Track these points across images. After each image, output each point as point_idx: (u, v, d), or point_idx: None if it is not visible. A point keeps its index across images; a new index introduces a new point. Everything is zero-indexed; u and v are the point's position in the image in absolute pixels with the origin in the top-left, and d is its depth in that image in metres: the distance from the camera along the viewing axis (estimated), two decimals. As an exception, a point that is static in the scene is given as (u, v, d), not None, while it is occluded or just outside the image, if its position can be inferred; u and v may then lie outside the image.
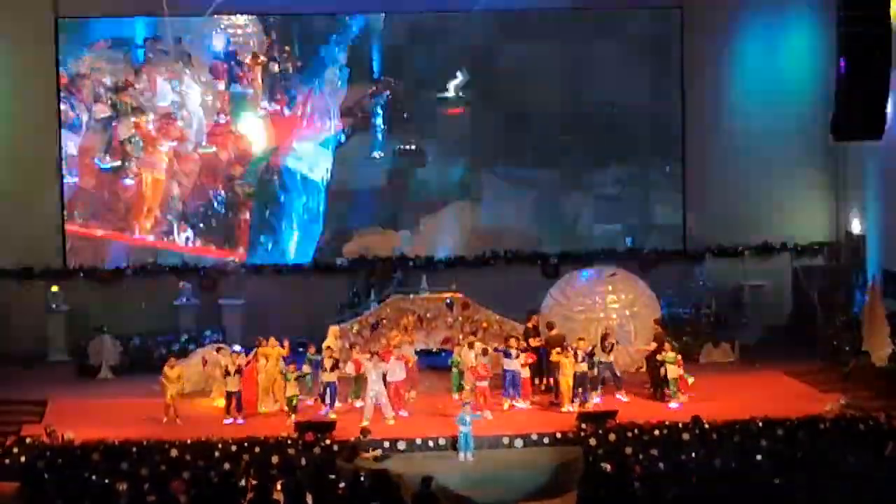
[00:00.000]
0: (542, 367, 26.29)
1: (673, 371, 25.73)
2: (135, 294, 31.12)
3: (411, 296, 28.77)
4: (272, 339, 26.04)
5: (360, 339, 27.52)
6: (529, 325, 26.88)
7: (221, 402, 25.79)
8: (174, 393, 25.42)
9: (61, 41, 31.36)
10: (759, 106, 31.98)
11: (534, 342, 26.29)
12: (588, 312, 26.93)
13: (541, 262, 31.28)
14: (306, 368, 26.01)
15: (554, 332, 26.23)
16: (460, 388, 25.93)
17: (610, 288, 27.21)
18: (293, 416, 24.93)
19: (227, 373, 25.44)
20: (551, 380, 26.00)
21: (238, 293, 31.03)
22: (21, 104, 31.17)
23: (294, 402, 25.18)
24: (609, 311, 27.02)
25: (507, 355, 25.54)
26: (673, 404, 25.50)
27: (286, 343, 26.12)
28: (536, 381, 26.35)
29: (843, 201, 31.97)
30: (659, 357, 25.85)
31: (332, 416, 24.98)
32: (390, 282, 30.73)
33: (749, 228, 32.15)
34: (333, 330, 26.74)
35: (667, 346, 25.89)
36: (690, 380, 25.99)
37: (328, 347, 25.79)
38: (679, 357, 25.90)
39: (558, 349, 25.38)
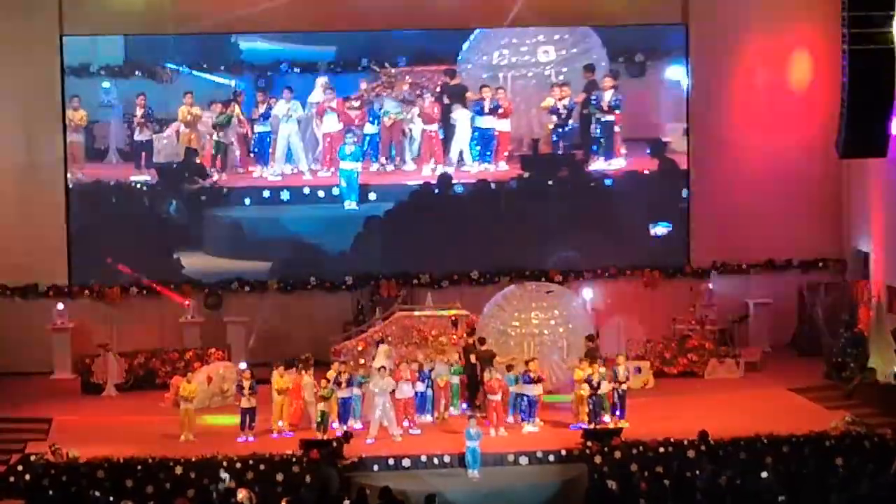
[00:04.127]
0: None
1: (604, 387, 25.68)
2: (139, 312, 31.14)
3: (416, 313, 28.75)
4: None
5: (365, 355, 27.42)
6: (471, 340, 26.82)
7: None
8: (189, 408, 25.35)
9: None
10: (764, 122, 31.94)
11: (474, 358, 26.20)
12: (523, 328, 26.86)
13: (543, 280, 31.13)
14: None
15: (485, 347, 26.20)
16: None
17: (545, 304, 27.16)
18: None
19: (241, 389, 25.37)
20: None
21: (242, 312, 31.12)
22: (27, 120, 31.13)
23: (326, 418, 24.82)
24: (543, 326, 26.93)
25: (528, 380, 25.47)
26: (606, 418, 25.36)
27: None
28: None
29: (849, 217, 31.92)
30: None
31: (346, 430, 24.91)
32: (395, 299, 30.67)
33: (754, 245, 32.10)
34: (384, 349, 26.48)
35: (596, 363, 25.76)
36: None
37: (382, 367, 25.52)
38: (608, 374, 25.85)
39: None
